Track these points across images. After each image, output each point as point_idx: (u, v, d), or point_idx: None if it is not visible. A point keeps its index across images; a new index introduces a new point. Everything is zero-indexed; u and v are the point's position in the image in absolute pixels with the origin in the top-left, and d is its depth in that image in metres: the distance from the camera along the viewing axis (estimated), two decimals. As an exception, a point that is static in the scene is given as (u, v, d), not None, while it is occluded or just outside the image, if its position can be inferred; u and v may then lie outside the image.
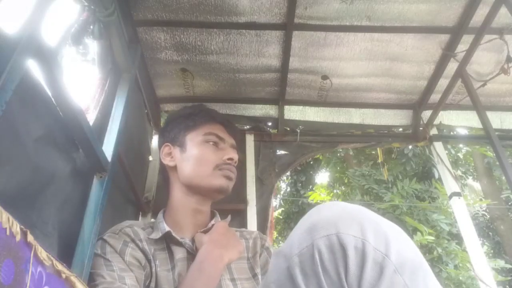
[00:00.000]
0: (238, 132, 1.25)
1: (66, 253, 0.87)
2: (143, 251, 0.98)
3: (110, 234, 0.98)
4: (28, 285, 0.46)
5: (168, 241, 1.03)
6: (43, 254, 0.50)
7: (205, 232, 1.07)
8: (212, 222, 1.11)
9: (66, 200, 0.91)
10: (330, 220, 0.56)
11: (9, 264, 0.42)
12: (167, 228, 1.03)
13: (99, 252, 0.94)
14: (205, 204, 1.13)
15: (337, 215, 0.57)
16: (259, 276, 1.06)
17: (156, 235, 1.02)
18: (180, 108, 1.95)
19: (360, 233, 0.54)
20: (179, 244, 1.02)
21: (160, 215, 1.11)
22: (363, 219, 0.56)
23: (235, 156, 1.13)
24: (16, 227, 0.45)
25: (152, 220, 1.19)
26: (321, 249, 0.54)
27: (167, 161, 1.15)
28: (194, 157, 1.10)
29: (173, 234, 1.02)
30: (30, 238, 0.48)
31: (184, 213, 1.10)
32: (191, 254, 1.01)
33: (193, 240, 1.05)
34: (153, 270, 0.96)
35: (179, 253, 1.01)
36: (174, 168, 1.13)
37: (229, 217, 1.16)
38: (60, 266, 0.55)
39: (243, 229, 1.26)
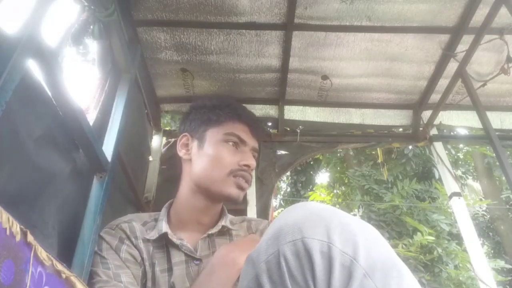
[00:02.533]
0: (263, 134, 1.15)
1: (66, 253, 0.87)
2: (137, 249, 0.95)
3: (107, 230, 0.96)
4: (28, 285, 0.46)
5: (166, 241, 0.99)
6: (43, 254, 0.50)
7: (215, 234, 1.03)
8: (222, 223, 1.05)
9: (66, 200, 0.91)
10: (296, 224, 0.54)
11: (9, 264, 0.42)
12: (164, 229, 0.98)
13: (96, 249, 0.92)
14: (213, 206, 1.06)
15: (303, 217, 0.55)
16: None
17: (153, 235, 0.97)
18: (180, 107, 1.97)
19: (326, 236, 0.51)
20: (176, 247, 0.97)
21: (164, 210, 1.06)
22: (330, 221, 0.54)
23: (252, 163, 1.05)
24: (16, 227, 0.45)
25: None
26: (287, 255, 0.52)
27: (182, 153, 1.09)
28: (209, 157, 1.03)
29: (169, 236, 0.97)
30: (30, 238, 0.47)
31: (189, 211, 1.04)
32: (190, 257, 0.97)
33: (196, 244, 1.00)
34: (148, 269, 0.93)
35: (176, 257, 0.96)
36: (189, 161, 1.07)
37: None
38: (60, 266, 0.55)
39: (253, 219, 1.18)
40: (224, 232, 1.06)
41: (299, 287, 0.51)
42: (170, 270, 0.94)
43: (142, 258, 0.94)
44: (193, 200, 1.04)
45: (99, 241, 0.94)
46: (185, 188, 1.07)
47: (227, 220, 1.07)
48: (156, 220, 1.04)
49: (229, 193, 1.01)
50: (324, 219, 0.54)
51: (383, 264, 0.51)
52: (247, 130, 1.09)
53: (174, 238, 0.97)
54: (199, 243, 1.00)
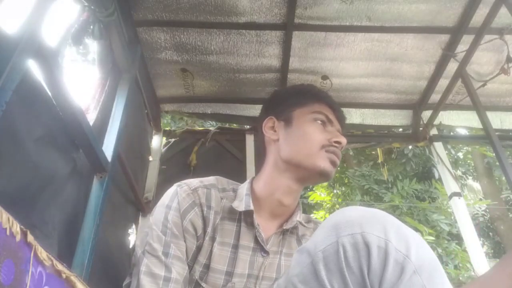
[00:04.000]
0: (345, 120, 1.17)
1: (66, 253, 0.87)
2: (204, 220, 0.93)
3: (186, 188, 0.95)
4: (28, 285, 0.46)
5: (241, 217, 0.97)
6: (43, 254, 0.50)
7: (287, 230, 1.00)
8: (297, 218, 1.03)
9: (66, 200, 0.91)
10: (354, 220, 0.59)
11: (9, 264, 0.42)
12: (252, 207, 0.96)
13: (167, 202, 0.92)
14: (297, 188, 1.04)
15: (361, 216, 0.60)
16: None
17: (239, 206, 0.96)
18: (180, 107, 1.97)
19: (383, 234, 0.57)
20: (252, 227, 0.96)
21: (248, 185, 1.03)
22: (386, 221, 0.59)
23: (343, 140, 1.05)
24: (16, 227, 0.45)
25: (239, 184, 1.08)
26: (345, 246, 0.57)
27: (269, 134, 1.09)
28: (299, 134, 1.04)
29: (254, 216, 0.95)
30: (30, 238, 0.47)
31: (272, 191, 1.02)
32: (260, 246, 0.95)
33: (269, 236, 0.98)
34: (206, 243, 0.92)
35: (245, 239, 0.95)
36: (276, 141, 1.07)
37: None
38: (60, 266, 0.55)
39: (319, 221, 1.13)
40: (293, 230, 1.05)
41: (354, 276, 0.56)
42: (234, 247, 0.94)
43: (204, 232, 0.93)
44: (280, 179, 1.02)
45: (173, 195, 0.93)
46: (270, 168, 1.06)
47: (301, 215, 1.06)
48: (234, 190, 1.03)
49: (324, 167, 0.99)
50: (380, 219, 0.60)
51: (429, 264, 0.57)
52: (332, 112, 1.10)
53: (256, 220, 0.96)
54: (272, 237, 0.98)
